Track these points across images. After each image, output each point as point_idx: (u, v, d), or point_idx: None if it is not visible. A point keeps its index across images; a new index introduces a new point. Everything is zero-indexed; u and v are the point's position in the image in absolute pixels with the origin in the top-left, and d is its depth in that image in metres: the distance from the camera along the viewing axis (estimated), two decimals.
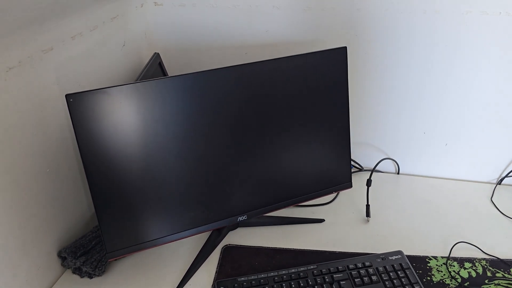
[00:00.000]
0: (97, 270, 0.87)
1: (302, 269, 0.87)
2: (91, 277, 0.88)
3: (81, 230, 0.96)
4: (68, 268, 0.90)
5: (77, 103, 0.73)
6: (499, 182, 1.17)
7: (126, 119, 0.77)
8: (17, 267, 0.77)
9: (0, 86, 0.70)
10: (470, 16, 0.99)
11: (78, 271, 0.89)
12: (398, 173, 1.23)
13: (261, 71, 0.86)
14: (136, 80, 0.92)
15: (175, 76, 0.79)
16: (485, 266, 0.91)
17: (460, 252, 0.95)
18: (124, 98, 0.76)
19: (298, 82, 0.89)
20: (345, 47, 0.91)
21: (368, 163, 1.23)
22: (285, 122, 0.91)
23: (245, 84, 0.85)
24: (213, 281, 0.88)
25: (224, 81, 0.83)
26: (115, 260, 0.91)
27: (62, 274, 0.90)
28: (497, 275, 0.89)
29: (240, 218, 0.92)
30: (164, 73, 1.11)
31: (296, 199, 0.97)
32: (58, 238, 0.89)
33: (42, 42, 0.78)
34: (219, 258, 0.94)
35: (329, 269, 0.87)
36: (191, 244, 0.97)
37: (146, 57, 1.15)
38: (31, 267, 0.81)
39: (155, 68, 1.05)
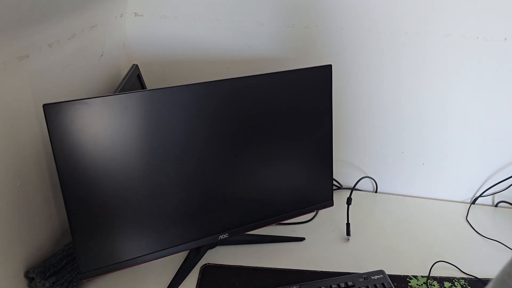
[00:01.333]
0: None
1: None
2: None
3: (51, 249, 0.90)
4: None
5: (55, 114, 0.69)
6: (473, 201, 1.20)
7: (106, 132, 0.73)
8: None
9: None
10: (449, 39, 1.02)
11: None
12: (376, 192, 1.23)
13: (245, 87, 0.85)
14: (115, 92, 0.89)
15: (157, 89, 0.76)
16: (464, 286, 0.91)
17: (439, 271, 0.95)
18: (105, 109, 0.73)
19: (282, 99, 0.89)
20: (330, 65, 0.91)
21: (346, 181, 1.23)
22: (267, 139, 0.89)
23: (227, 100, 0.83)
24: None
25: (206, 96, 0.81)
26: (88, 280, 0.86)
27: None
28: None
29: (221, 237, 0.90)
30: (142, 85, 1.08)
31: (278, 217, 0.95)
32: (26, 257, 0.83)
33: (18, 48, 0.74)
34: (198, 278, 0.90)
35: None
36: (169, 263, 0.93)
37: (124, 69, 1.12)
38: None
39: (133, 80, 1.02)
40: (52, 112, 0.69)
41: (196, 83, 0.80)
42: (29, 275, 0.82)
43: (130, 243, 0.81)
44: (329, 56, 1.08)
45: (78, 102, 0.70)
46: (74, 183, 0.73)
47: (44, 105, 0.68)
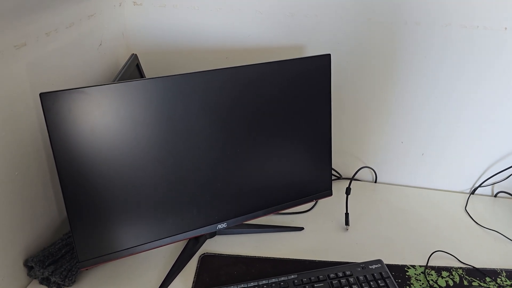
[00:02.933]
0: (66, 280, 0.83)
1: (282, 278, 0.85)
2: None
3: (50, 238, 0.91)
4: (35, 278, 0.84)
5: (52, 103, 0.69)
6: (472, 192, 1.19)
7: (104, 121, 0.73)
8: None
9: None
10: (449, 28, 1.01)
11: (46, 282, 0.84)
12: (375, 182, 1.23)
13: (244, 76, 0.84)
14: (113, 81, 0.88)
15: (156, 77, 0.76)
16: (462, 275, 0.92)
17: (437, 261, 0.95)
18: (103, 98, 0.72)
19: (281, 88, 0.88)
20: (329, 55, 0.90)
21: (346, 171, 1.23)
22: (266, 128, 0.89)
23: (227, 88, 0.83)
24: None
25: (206, 85, 0.81)
26: (87, 269, 0.86)
27: (28, 284, 0.84)
28: (473, 284, 0.90)
29: (219, 226, 0.90)
30: (141, 75, 1.07)
31: (277, 207, 0.95)
32: (25, 246, 0.83)
33: (15, 37, 0.74)
34: (197, 267, 0.90)
35: (310, 278, 0.86)
36: (167, 253, 0.93)
37: (123, 58, 1.11)
38: None
39: (132, 70, 1.01)
40: (49, 101, 0.69)
41: (195, 72, 0.79)
42: (28, 264, 0.83)
43: (128, 232, 0.81)
44: (328, 45, 1.08)
45: (75, 91, 0.70)
46: (71, 172, 0.73)
47: (41, 94, 0.68)
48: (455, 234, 1.04)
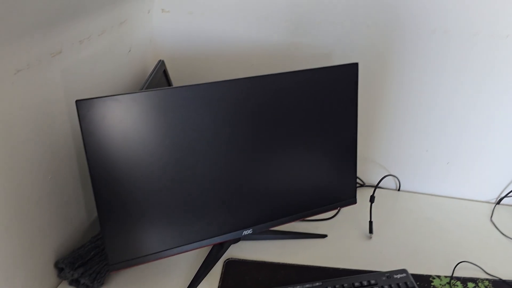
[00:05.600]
0: (95, 282, 0.84)
1: (307, 285, 0.86)
2: None
3: (80, 240, 0.93)
4: (65, 279, 0.86)
5: (87, 110, 0.71)
6: (498, 202, 1.18)
7: (135, 127, 0.75)
8: (13, 278, 0.74)
9: (7, 89, 0.67)
10: (478, 37, 1.00)
11: (75, 283, 0.86)
12: (399, 190, 1.23)
13: (271, 84, 0.85)
14: (142, 88, 0.90)
15: (185, 86, 0.77)
16: (488, 287, 0.91)
17: (463, 271, 0.95)
18: (135, 106, 0.74)
19: (308, 96, 0.89)
20: (357, 63, 0.91)
21: (369, 179, 1.23)
22: (292, 136, 0.90)
23: (254, 97, 0.84)
24: None
25: (233, 93, 0.82)
26: (116, 272, 0.88)
27: (58, 285, 0.86)
28: None
29: (245, 232, 0.91)
30: (168, 81, 1.09)
31: (302, 214, 0.96)
32: (55, 248, 0.85)
33: (51, 45, 0.76)
34: (222, 272, 0.91)
35: (334, 286, 0.86)
36: (192, 258, 0.95)
37: (150, 64, 1.13)
38: (27, 278, 0.77)
39: (160, 76, 1.03)
40: (84, 108, 0.71)
41: (222, 81, 0.80)
42: (59, 266, 0.85)
43: (157, 236, 0.82)
44: (355, 53, 1.08)
45: (109, 98, 0.72)
46: (104, 177, 0.75)
47: (77, 101, 0.70)
48: (480, 245, 1.03)
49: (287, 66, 1.04)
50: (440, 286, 0.90)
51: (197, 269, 0.91)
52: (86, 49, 0.86)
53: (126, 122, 0.74)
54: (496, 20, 0.98)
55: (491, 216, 1.13)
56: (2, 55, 0.65)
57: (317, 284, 0.86)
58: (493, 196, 1.19)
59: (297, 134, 0.90)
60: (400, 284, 0.87)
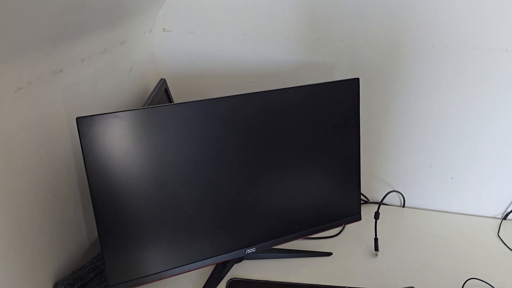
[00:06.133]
0: None
1: None
2: None
3: (79, 261, 0.91)
4: None
5: (88, 127, 0.70)
6: (505, 217, 1.16)
7: (136, 144, 0.74)
8: None
9: (8, 107, 0.67)
10: (477, 52, 1.01)
11: None
12: (403, 206, 1.21)
13: (271, 100, 0.85)
14: (144, 106, 0.90)
15: (186, 102, 0.77)
16: None
17: None
18: (135, 122, 0.74)
19: (310, 112, 0.88)
20: (358, 79, 0.91)
21: (373, 195, 1.22)
22: (295, 152, 0.89)
23: (255, 113, 0.83)
24: None
25: (234, 110, 0.82)
26: None
27: None
28: None
29: (248, 251, 0.89)
30: (170, 99, 1.09)
31: (306, 231, 0.94)
32: (55, 269, 0.83)
33: (52, 63, 0.76)
34: None
35: None
36: (195, 278, 0.93)
37: (152, 82, 1.13)
38: None
39: (161, 94, 1.03)
40: (85, 125, 0.70)
41: (223, 97, 0.80)
42: (58, 287, 0.83)
43: (158, 256, 0.81)
44: (356, 69, 1.08)
45: (110, 115, 0.72)
46: (104, 195, 0.74)
47: (77, 118, 0.69)
48: (488, 261, 1.01)
49: (287, 83, 1.04)
50: None
51: None
52: (88, 68, 0.86)
53: (126, 139, 0.73)
54: (495, 35, 0.99)
55: (498, 232, 1.11)
56: (4, 73, 0.65)
57: None
58: (499, 211, 1.17)
59: (299, 150, 0.89)
60: None
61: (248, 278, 0.93)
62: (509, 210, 1.16)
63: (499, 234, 1.10)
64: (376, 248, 1.01)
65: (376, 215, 1.05)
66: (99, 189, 0.73)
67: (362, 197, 1.21)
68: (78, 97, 0.85)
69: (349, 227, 1.10)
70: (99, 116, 0.71)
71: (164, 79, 1.07)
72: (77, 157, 0.86)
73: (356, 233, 1.08)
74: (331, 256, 1.00)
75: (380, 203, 1.08)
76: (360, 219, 1.00)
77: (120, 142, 0.73)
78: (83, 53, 0.84)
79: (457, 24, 0.99)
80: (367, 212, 1.12)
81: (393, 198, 1.22)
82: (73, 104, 0.83)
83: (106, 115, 0.71)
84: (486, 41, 1.00)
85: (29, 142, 0.73)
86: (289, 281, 0.92)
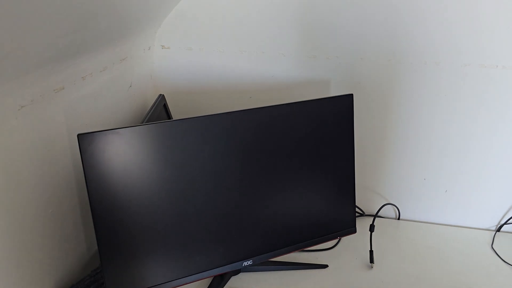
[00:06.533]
0: None
1: None
2: None
3: (79, 274, 0.92)
4: None
5: (89, 144, 0.72)
6: (498, 229, 1.18)
7: (136, 160, 0.76)
8: None
9: (11, 124, 0.69)
10: (468, 68, 1.03)
11: None
12: (398, 219, 1.23)
13: (268, 116, 0.87)
14: (142, 122, 0.92)
15: (184, 118, 0.79)
16: None
17: None
18: (135, 139, 0.76)
19: (304, 127, 0.91)
20: (352, 94, 0.93)
21: (368, 208, 1.23)
22: (290, 167, 0.91)
23: (252, 129, 0.86)
24: None
25: (231, 125, 0.84)
26: None
27: None
28: None
29: (245, 263, 0.90)
30: (168, 115, 1.11)
31: (302, 244, 0.96)
32: (55, 282, 0.85)
33: (54, 81, 0.78)
34: None
35: None
36: None
37: (151, 99, 1.16)
38: None
39: (160, 110, 1.05)
40: (86, 142, 0.72)
41: (221, 113, 0.82)
42: None
43: (156, 269, 0.82)
44: (350, 85, 1.10)
45: (110, 131, 0.74)
46: (104, 209, 0.76)
47: (78, 135, 0.71)
48: (483, 273, 1.02)
49: (284, 98, 1.06)
50: None
51: None
52: (88, 85, 0.89)
53: (126, 155, 0.75)
54: (485, 52, 1.01)
55: (492, 244, 1.13)
56: (7, 92, 0.67)
57: None
58: (493, 224, 1.19)
59: (294, 165, 0.91)
60: None
61: None
62: (502, 222, 1.18)
63: (493, 246, 1.12)
64: (372, 260, 1.03)
65: (371, 228, 1.06)
66: (99, 204, 0.75)
67: (357, 209, 1.23)
68: (79, 113, 0.87)
69: (345, 240, 1.11)
70: (100, 132, 0.73)
71: (163, 95, 1.09)
72: (77, 173, 0.88)
73: (351, 246, 1.09)
74: (327, 268, 1.02)
75: (375, 216, 1.10)
76: (355, 232, 1.01)
77: (120, 158, 0.75)
78: (84, 71, 0.86)
79: (449, 42, 1.02)
80: (362, 224, 1.13)
81: (388, 211, 1.23)
82: (74, 120, 0.85)
83: (106, 132, 0.73)
84: (477, 57, 1.03)
85: (31, 158, 0.75)
86: None
